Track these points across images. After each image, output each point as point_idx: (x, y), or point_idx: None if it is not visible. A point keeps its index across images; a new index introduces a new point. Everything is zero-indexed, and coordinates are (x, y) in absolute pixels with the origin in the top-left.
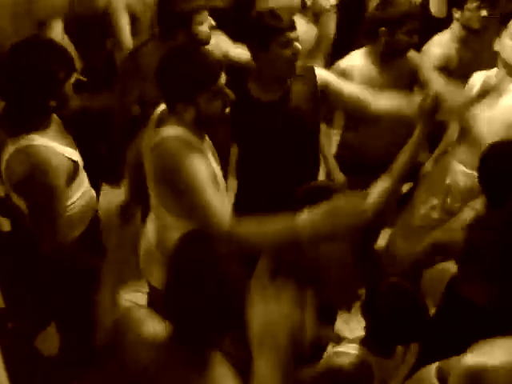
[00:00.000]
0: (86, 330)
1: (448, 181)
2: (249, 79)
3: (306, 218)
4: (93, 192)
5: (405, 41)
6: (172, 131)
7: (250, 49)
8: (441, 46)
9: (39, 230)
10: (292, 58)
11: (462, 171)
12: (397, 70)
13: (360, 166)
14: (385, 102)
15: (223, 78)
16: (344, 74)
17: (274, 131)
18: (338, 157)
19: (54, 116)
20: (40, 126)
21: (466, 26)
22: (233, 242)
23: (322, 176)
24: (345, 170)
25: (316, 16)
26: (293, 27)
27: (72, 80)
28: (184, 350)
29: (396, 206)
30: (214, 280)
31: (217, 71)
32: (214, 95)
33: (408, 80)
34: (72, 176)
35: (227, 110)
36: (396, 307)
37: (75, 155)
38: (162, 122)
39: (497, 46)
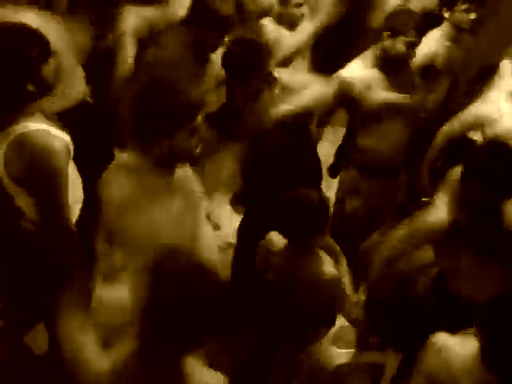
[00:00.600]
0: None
1: None
2: None
3: None
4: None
5: (403, 48)
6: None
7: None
8: (429, 44)
9: (49, 217)
10: None
11: None
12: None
13: (370, 169)
14: None
15: (201, 116)
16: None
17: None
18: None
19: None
20: (25, 112)
21: (457, 26)
22: None
23: None
24: (354, 172)
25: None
26: None
27: (51, 65)
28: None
29: None
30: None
31: (197, 108)
32: (192, 133)
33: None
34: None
35: (198, 150)
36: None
37: (66, 135)
38: (126, 145)
39: None
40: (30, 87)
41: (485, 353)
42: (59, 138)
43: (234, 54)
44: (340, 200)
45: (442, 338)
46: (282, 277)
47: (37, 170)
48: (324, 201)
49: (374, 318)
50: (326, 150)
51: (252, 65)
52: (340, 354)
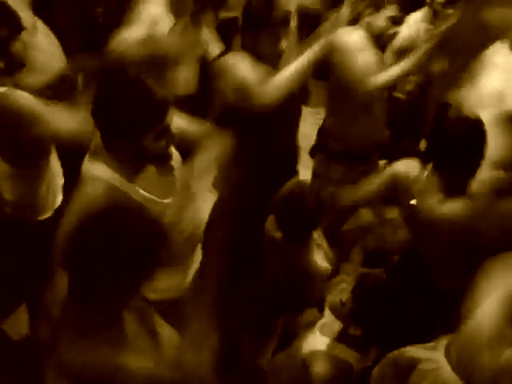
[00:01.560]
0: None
1: None
2: None
3: None
4: None
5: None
6: (99, 171)
7: None
8: (409, 26)
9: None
10: None
11: None
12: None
13: (343, 154)
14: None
15: (171, 115)
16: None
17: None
18: (319, 145)
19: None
20: None
21: (435, 11)
22: None
23: None
24: (326, 158)
25: None
26: None
27: (22, 39)
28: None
29: None
30: None
31: (166, 108)
32: (161, 134)
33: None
34: None
35: (170, 149)
36: (380, 303)
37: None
38: (95, 153)
39: None
40: (0, 64)
41: None
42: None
43: None
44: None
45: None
46: (279, 263)
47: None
48: (319, 200)
49: (358, 309)
50: (305, 130)
51: None
52: (320, 341)
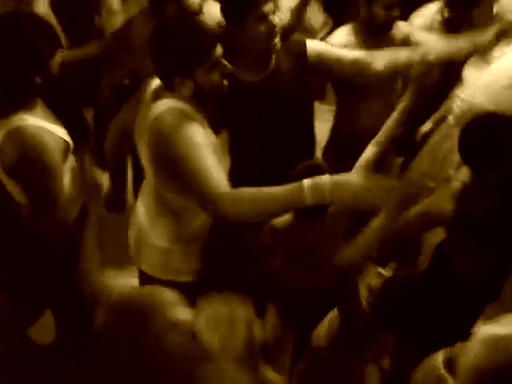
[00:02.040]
0: (82, 315)
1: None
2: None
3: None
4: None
5: (383, 15)
6: (169, 104)
7: (226, 25)
8: (423, 17)
9: (40, 212)
10: (268, 33)
11: None
12: (384, 45)
13: (353, 151)
14: (383, 59)
15: (219, 49)
16: None
17: (263, 112)
18: (331, 142)
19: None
20: (27, 104)
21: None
22: (232, 204)
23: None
24: (338, 155)
25: None
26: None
27: (57, 57)
28: None
29: None
30: None
31: (212, 42)
32: (212, 67)
33: None
34: (65, 156)
35: (225, 81)
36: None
37: (65, 135)
38: (157, 97)
39: None
40: (38, 79)
41: None
42: (54, 134)
43: None
44: None
45: None
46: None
47: (26, 164)
48: None
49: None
50: (321, 128)
51: None
52: None
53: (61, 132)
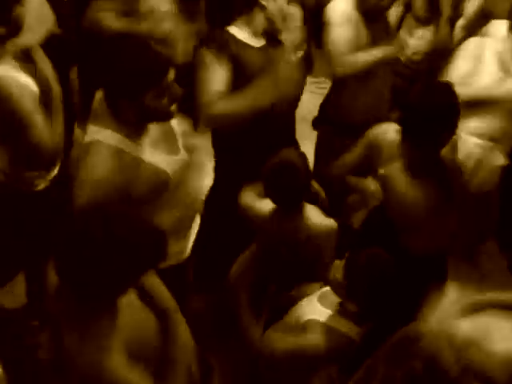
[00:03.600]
0: None
1: None
2: None
3: None
4: None
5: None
6: (103, 136)
7: None
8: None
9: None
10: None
11: None
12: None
13: (345, 127)
14: None
15: (172, 74)
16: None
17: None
18: (322, 116)
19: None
20: None
21: None
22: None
23: None
24: (330, 130)
25: None
26: None
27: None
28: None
29: None
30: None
31: (166, 67)
32: (162, 92)
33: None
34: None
35: (174, 107)
36: (375, 278)
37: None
38: (97, 117)
39: None
40: (1, 30)
41: None
42: (23, 84)
43: None
44: (318, 157)
45: None
46: (273, 236)
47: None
48: (307, 165)
49: (349, 279)
50: (307, 101)
51: None
52: (321, 312)
53: (30, 82)
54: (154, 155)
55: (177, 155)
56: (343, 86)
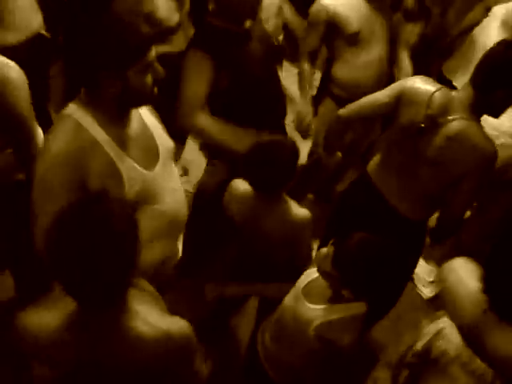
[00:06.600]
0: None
1: None
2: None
3: None
4: None
5: None
6: (76, 112)
7: None
8: None
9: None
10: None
11: None
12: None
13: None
14: None
15: (153, 53)
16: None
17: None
18: (321, 92)
19: None
20: None
21: None
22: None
23: None
24: (334, 104)
25: None
26: None
27: None
28: None
29: None
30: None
31: (148, 44)
32: (145, 68)
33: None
34: None
35: (155, 89)
36: (366, 261)
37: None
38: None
39: None
40: None
41: None
42: (14, 68)
43: None
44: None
45: None
46: (249, 223)
47: None
48: (296, 152)
49: (342, 270)
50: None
51: None
52: (314, 311)
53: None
54: (124, 156)
55: (150, 170)
56: (340, 59)
